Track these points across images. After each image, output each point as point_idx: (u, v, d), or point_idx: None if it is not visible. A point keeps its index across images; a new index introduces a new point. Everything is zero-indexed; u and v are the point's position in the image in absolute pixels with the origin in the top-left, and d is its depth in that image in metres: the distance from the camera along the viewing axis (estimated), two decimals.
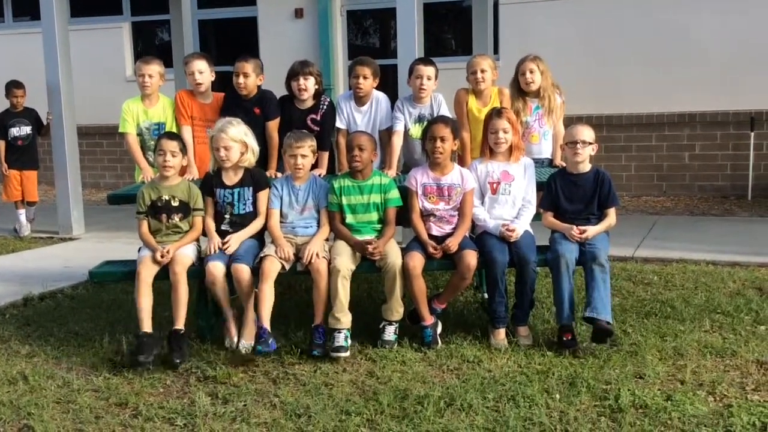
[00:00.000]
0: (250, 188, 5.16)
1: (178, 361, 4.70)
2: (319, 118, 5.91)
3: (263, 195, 5.17)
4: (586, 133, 5.08)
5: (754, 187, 10.18)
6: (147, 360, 4.67)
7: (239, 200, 5.16)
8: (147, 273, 4.90)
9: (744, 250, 7.14)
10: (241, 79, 5.85)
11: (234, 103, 5.93)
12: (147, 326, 4.82)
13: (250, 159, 5.19)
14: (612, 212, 5.12)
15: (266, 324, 4.73)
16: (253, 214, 5.17)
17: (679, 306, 5.54)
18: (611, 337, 4.76)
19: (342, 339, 4.80)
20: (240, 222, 5.15)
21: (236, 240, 5.02)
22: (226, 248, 4.96)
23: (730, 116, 10.29)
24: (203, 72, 5.96)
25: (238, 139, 5.09)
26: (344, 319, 4.84)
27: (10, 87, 9.46)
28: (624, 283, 6.21)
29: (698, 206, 9.89)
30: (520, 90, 6.04)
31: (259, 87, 6.00)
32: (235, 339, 4.97)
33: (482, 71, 5.86)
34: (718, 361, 4.55)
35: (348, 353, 4.78)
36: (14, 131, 9.37)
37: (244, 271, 4.86)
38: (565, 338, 4.82)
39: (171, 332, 4.85)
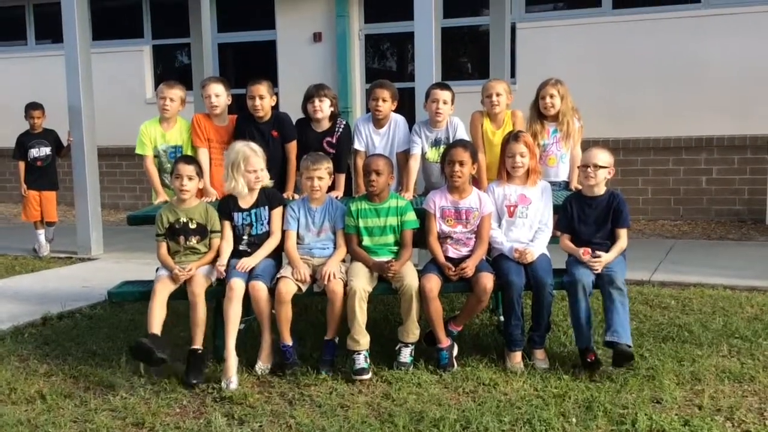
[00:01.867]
0: (266, 207, 5.22)
1: (194, 381, 4.74)
2: (334, 141, 5.96)
3: (277, 213, 5.22)
4: (600, 156, 5.08)
5: None
6: (160, 355, 4.69)
7: (257, 221, 5.21)
8: (163, 290, 4.96)
9: (762, 275, 7.10)
10: (257, 102, 5.90)
11: (250, 126, 5.97)
12: (156, 329, 4.84)
13: (265, 180, 5.27)
14: (623, 233, 5.10)
15: (288, 341, 4.93)
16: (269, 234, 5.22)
17: (697, 330, 5.51)
18: (632, 361, 4.75)
19: (362, 360, 4.82)
20: (258, 243, 5.19)
21: (248, 263, 5.05)
22: (242, 269, 4.99)
23: (747, 140, 10.26)
24: (219, 95, 6.02)
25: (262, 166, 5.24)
26: (363, 340, 4.86)
27: (28, 109, 9.58)
28: (641, 307, 6.19)
29: (715, 230, 9.85)
30: (539, 113, 6.08)
31: (273, 109, 6.05)
32: (230, 378, 4.79)
33: (497, 95, 5.90)
34: (737, 387, 4.51)
35: (369, 375, 4.79)
36: (33, 152, 9.48)
37: (261, 289, 4.90)
38: (589, 359, 4.80)
39: (189, 352, 4.88)
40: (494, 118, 6.01)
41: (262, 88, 5.91)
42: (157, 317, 4.89)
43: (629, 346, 4.71)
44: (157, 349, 4.72)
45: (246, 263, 5.02)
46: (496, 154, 5.54)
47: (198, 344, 4.91)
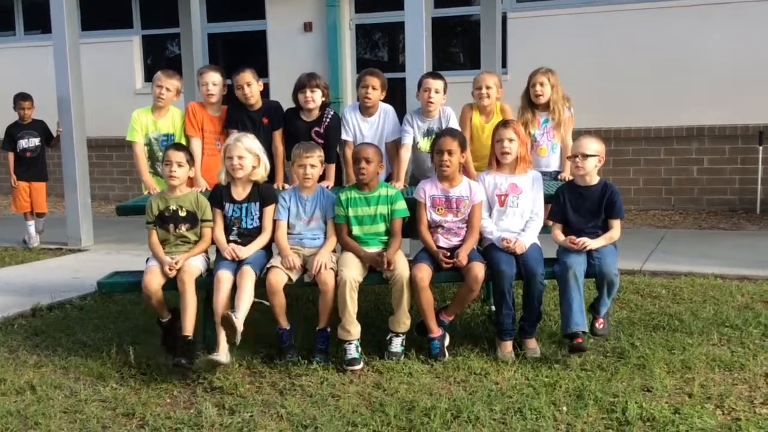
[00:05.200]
0: (258, 203, 5.19)
1: (184, 361, 4.70)
2: (322, 130, 5.94)
3: (269, 210, 5.20)
4: (589, 145, 5.06)
5: (763, 201, 10.16)
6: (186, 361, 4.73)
7: (247, 215, 5.19)
8: (153, 282, 4.94)
9: (752, 264, 7.13)
10: (246, 90, 5.91)
11: (241, 115, 5.97)
12: (165, 315, 5.02)
13: (261, 174, 5.23)
14: (616, 224, 5.11)
15: (285, 325, 4.98)
16: (261, 229, 5.20)
17: (687, 319, 5.52)
18: (605, 336, 5.03)
19: (354, 350, 4.83)
20: (248, 235, 5.18)
21: (245, 251, 5.06)
22: (236, 254, 5.01)
23: (738, 130, 10.28)
24: (216, 84, 6.02)
25: (253, 151, 5.14)
26: (354, 330, 4.86)
27: (17, 99, 9.53)
28: (632, 297, 6.20)
29: (707, 220, 9.88)
30: (530, 102, 6.08)
31: (262, 95, 6.06)
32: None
33: (487, 88, 5.93)
34: (727, 375, 4.53)
35: (361, 365, 4.79)
36: (23, 143, 9.44)
37: (248, 273, 4.88)
38: (576, 342, 4.75)
39: (182, 339, 4.86)
40: (483, 111, 6.03)
41: (249, 76, 5.93)
42: (159, 303, 5.05)
43: (604, 319, 5.05)
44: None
45: (239, 251, 5.02)
46: (487, 146, 5.53)
47: (188, 332, 4.88)
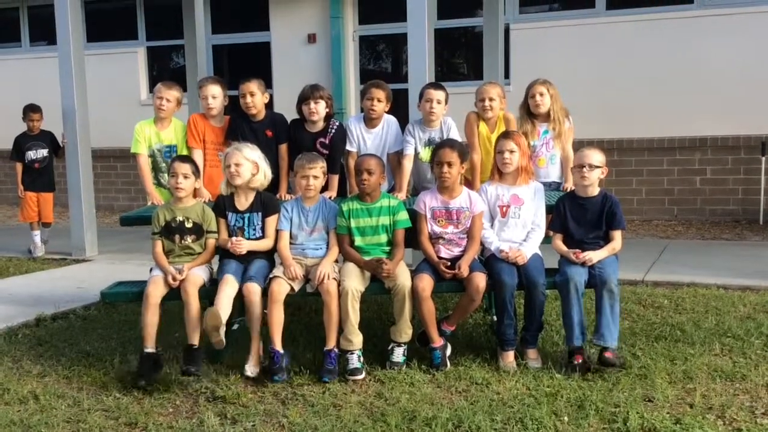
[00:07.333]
0: (260, 213, 5.21)
1: (193, 369, 4.72)
2: (327, 141, 5.95)
3: (272, 220, 5.22)
4: (594, 156, 5.08)
5: (766, 211, 10.16)
6: (145, 382, 4.72)
7: (249, 225, 5.20)
8: (156, 292, 4.94)
9: (755, 275, 7.12)
10: (249, 99, 5.92)
11: (243, 125, 5.99)
12: (150, 344, 4.86)
13: (262, 181, 5.24)
14: (617, 235, 5.11)
15: (278, 347, 4.79)
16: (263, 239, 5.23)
17: (689, 330, 5.52)
18: (615, 366, 4.76)
19: (356, 360, 4.84)
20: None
21: (246, 244, 5.10)
22: (238, 248, 5.06)
23: (741, 141, 10.29)
24: (216, 97, 6.04)
25: (252, 159, 5.16)
26: (356, 340, 4.87)
27: (27, 111, 9.60)
28: (634, 307, 6.20)
29: (709, 230, 9.88)
30: (529, 113, 6.10)
31: (267, 107, 6.07)
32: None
33: (490, 99, 5.92)
34: (728, 385, 4.53)
35: (363, 375, 4.79)
36: (31, 154, 9.50)
37: (255, 291, 4.89)
38: (576, 361, 4.81)
39: (186, 347, 4.87)
40: (486, 122, 6.03)
41: (253, 86, 5.94)
42: (151, 329, 4.88)
43: (614, 351, 4.77)
44: (154, 373, 4.79)
45: (242, 243, 5.08)
46: (493, 156, 5.55)
47: (195, 341, 4.90)
